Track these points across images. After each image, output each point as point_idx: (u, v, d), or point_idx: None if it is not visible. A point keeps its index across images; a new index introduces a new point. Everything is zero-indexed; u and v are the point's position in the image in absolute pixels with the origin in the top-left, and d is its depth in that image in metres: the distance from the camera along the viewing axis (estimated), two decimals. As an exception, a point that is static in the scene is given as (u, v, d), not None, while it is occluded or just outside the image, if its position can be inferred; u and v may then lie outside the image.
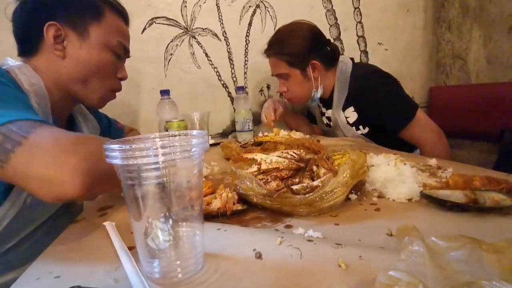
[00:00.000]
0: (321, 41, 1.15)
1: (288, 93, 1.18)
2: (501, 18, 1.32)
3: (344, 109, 1.13)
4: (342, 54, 1.43)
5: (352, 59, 1.18)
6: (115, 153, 0.29)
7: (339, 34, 1.56)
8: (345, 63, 1.14)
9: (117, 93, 0.81)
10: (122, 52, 0.75)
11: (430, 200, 0.46)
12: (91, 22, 0.68)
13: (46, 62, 0.67)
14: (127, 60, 0.83)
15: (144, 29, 1.34)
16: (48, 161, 0.40)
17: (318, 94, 1.16)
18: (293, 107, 1.49)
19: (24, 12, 0.67)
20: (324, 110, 1.28)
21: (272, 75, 1.21)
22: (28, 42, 0.68)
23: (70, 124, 0.81)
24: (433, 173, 0.62)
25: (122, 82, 0.81)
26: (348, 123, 1.14)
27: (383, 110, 1.05)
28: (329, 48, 1.15)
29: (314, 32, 1.14)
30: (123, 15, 0.76)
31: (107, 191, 0.50)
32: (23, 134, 0.42)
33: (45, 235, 0.68)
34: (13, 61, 0.64)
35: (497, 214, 0.41)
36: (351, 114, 1.13)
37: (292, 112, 1.40)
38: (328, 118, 1.26)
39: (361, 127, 1.13)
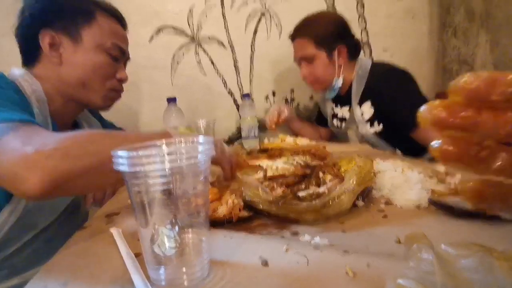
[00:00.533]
0: (348, 30, 1.18)
1: (311, 77, 1.18)
2: (507, 23, 1.31)
3: (361, 104, 1.13)
4: None
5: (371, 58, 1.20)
6: (122, 160, 0.30)
7: (344, 40, 1.56)
8: (364, 59, 1.17)
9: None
10: (117, 54, 0.75)
11: (438, 207, 0.45)
12: (82, 26, 0.70)
13: (45, 70, 0.70)
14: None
15: (152, 37, 1.36)
16: (13, 159, 0.40)
17: (339, 83, 1.16)
18: (298, 113, 1.50)
19: (22, 24, 0.70)
20: (336, 110, 1.28)
21: (295, 60, 1.21)
22: (28, 52, 0.71)
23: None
24: (441, 179, 0.61)
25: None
26: (363, 119, 1.14)
27: (401, 106, 1.03)
28: (354, 40, 1.18)
29: (342, 21, 1.18)
30: (116, 17, 0.77)
31: (92, 190, 0.47)
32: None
33: (48, 240, 0.68)
34: (18, 70, 0.67)
35: (507, 221, 0.40)
36: (368, 110, 1.12)
37: (297, 117, 1.41)
38: (340, 119, 1.26)
39: (375, 123, 1.12)
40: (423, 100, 1.06)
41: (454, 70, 1.64)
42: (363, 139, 1.17)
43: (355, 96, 1.14)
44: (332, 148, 1.04)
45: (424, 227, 0.42)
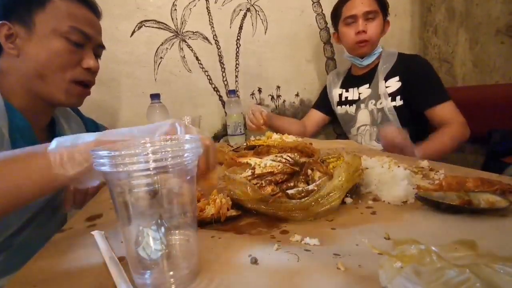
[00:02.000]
0: None
1: (369, 33, 1.21)
2: (487, 21, 1.35)
3: (386, 79, 1.22)
4: (333, 57, 1.50)
5: None
6: (103, 159, 0.28)
7: (329, 37, 1.57)
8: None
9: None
10: (78, 38, 0.68)
11: (425, 202, 0.46)
12: (35, 10, 0.65)
13: (7, 64, 0.66)
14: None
15: (133, 32, 1.32)
16: None
17: (379, 50, 1.25)
18: (284, 109, 1.51)
19: None
20: (346, 94, 1.35)
21: (351, 16, 1.22)
22: None
23: (51, 129, 0.78)
24: (426, 175, 0.62)
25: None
26: (386, 93, 1.22)
27: (428, 84, 1.16)
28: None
29: None
30: (82, 0, 0.70)
31: (13, 209, 0.41)
32: None
33: (23, 245, 0.65)
34: None
35: (492, 215, 0.41)
36: (394, 84, 1.21)
37: (277, 115, 1.45)
38: (349, 103, 1.33)
39: (398, 98, 1.20)
40: (442, 84, 1.19)
41: (435, 68, 1.68)
42: (376, 115, 1.24)
43: (382, 71, 1.22)
44: (319, 144, 1.04)
45: (412, 222, 0.42)
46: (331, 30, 1.56)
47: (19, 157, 0.41)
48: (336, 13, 1.29)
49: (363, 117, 1.29)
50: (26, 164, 0.39)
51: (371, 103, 1.26)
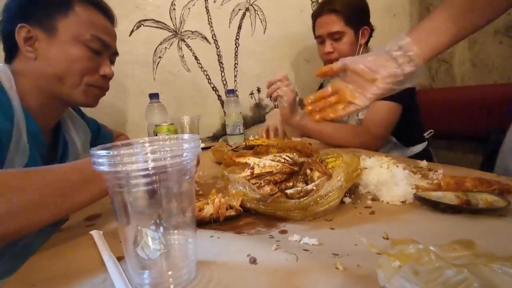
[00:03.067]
0: (369, 13, 1.19)
1: (335, 54, 1.17)
2: (484, 22, 1.35)
3: None
4: None
5: None
6: (102, 159, 0.28)
7: (328, 37, 1.57)
8: (374, 48, 1.22)
9: (104, 97, 0.79)
10: (98, 46, 0.70)
11: (423, 202, 0.46)
12: (58, 17, 0.66)
13: (22, 65, 0.66)
14: (115, 62, 0.80)
15: (132, 31, 1.32)
16: None
17: None
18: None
19: (3, 20, 0.67)
20: None
21: (319, 36, 1.18)
22: (8, 49, 0.68)
23: (57, 131, 0.78)
24: (425, 175, 0.62)
25: (110, 85, 0.78)
26: None
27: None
28: (371, 25, 1.20)
29: (366, 2, 1.18)
30: (98, 7, 0.71)
31: (31, 229, 0.41)
32: None
33: (28, 245, 0.65)
34: None
35: (490, 215, 0.41)
36: None
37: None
38: None
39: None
40: (404, 92, 1.11)
41: (433, 68, 1.69)
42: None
43: None
44: (317, 145, 1.05)
45: (410, 222, 0.42)
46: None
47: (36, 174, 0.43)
48: (312, 27, 1.25)
49: (353, 122, 1.22)
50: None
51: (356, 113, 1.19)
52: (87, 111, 0.97)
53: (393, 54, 0.59)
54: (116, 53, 0.78)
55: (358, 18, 1.15)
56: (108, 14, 0.74)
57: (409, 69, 0.58)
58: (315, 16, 1.20)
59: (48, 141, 0.72)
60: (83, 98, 0.71)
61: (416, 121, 1.20)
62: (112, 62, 0.78)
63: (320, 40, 1.19)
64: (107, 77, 0.74)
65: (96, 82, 0.72)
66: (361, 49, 1.17)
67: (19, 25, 0.64)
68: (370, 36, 1.21)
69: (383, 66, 0.59)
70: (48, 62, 0.66)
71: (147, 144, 0.34)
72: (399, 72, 0.58)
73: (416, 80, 0.62)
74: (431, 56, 0.59)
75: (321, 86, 1.45)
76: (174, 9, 1.36)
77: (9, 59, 0.68)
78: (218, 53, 1.45)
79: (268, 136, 1.16)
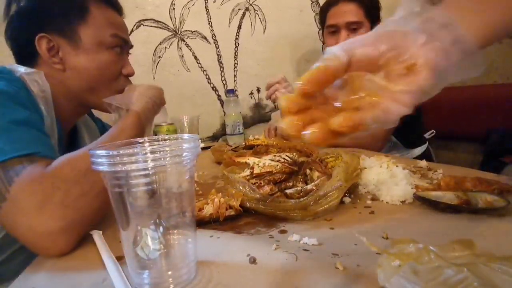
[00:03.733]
0: None
1: None
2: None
3: None
4: None
5: None
6: (102, 159, 0.28)
7: (328, 37, 1.57)
8: None
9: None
10: (120, 44, 0.69)
11: (423, 202, 0.46)
12: (78, 24, 0.64)
13: (50, 72, 0.63)
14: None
15: (132, 31, 1.31)
16: (27, 225, 0.39)
17: None
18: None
19: (14, 28, 0.64)
20: None
21: (333, 25, 1.12)
22: (23, 55, 0.65)
23: (73, 133, 0.78)
24: (424, 174, 0.62)
25: None
26: None
27: None
28: None
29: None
30: (111, 4, 0.70)
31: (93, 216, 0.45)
32: (7, 185, 0.41)
33: None
34: (22, 67, 0.60)
35: (490, 215, 0.41)
36: None
37: None
38: None
39: None
40: None
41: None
42: None
43: None
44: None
45: (410, 222, 0.42)
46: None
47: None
48: (321, 17, 1.22)
49: None
50: None
51: None
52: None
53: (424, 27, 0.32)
54: (131, 46, 0.76)
55: (376, 12, 1.12)
56: (117, 7, 0.72)
57: (456, 56, 0.32)
58: (329, 5, 1.14)
59: (66, 145, 0.72)
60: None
61: (418, 122, 1.19)
62: (127, 55, 0.77)
63: (333, 30, 1.12)
64: (130, 75, 0.74)
65: (123, 85, 0.72)
66: None
67: (38, 35, 0.61)
68: None
69: (406, 47, 0.31)
70: (79, 73, 0.65)
71: (146, 144, 0.34)
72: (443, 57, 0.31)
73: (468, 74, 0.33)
74: (486, 37, 0.33)
75: None
76: (173, 8, 1.36)
77: (27, 63, 0.64)
78: (217, 53, 1.45)
79: (270, 135, 1.16)
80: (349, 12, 1.08)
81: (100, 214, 0.45)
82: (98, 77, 0.66)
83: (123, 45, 0.71)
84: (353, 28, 1.10)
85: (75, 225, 0.41)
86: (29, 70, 0.59)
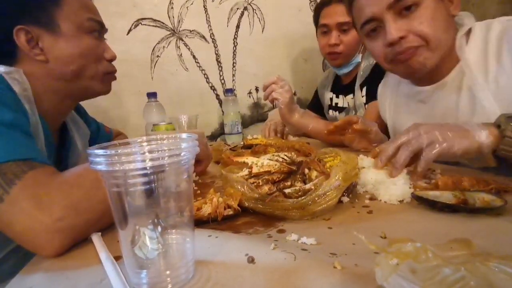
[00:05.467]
0: None
1: (341, 46, 1.14)
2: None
3: (362, 87, 1.14)
4: None
5: None
6: (100, 158, 0.28)
7: (327, 37, 1.57)
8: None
9: (102, 96, 0.78)
10: (97, 27, 0.69)
11: (421, 201, 0.46)
12: (53, 11, 0.63)
13: (31, 68, 0.62)
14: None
15: (130, 30, 1.31)
16: (25, 223, 0.40)
17: (359, 59, 1.15)
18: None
19: None
20: (335, 100, 1.28)
21: (325, 25, 1.14)
22: (4, 55, 0.63)
23: (62, 131, 0.77)
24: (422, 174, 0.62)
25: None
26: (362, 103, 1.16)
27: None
28: None
29: None
30: None
31: (98, 228, 0.45)
32: (6, 187, 0.41)
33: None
34: (2, 67, 0.59)
35: (487, 214, 0.41)
36: (363, 94, 1.15)
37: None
38: (338, 109, 1.27)
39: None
40: None
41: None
42: None
43: (359, 78, 1.15)
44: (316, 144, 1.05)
45: (408, 221, 0.43)
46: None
47: None
48: (315, 17, 1.22)
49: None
50: None
51: (352, 114, 1.20)
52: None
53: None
54: (107, 30, 0.76)
55: None
56: None
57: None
58: (323, 5, 1.16)
59: (55, 142, 0.71)
60: (103, 87, 0.71)
61: None
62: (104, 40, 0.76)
63: (325, 30, 1.15)
64: (113, 60, 0.74)
65: (108, 68, 0.72)
66: (362, 48, 1.16)
67: (16, 28, 0.60)
68: None
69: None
70: (63, 61, 0.64)
71: (144, 144, 0.34)
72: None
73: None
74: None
75: (316, 92, 1.42)
76: (172, 8, 1.36)
77: (4, 61, 0.63)
78: (216, 52, 1.44)
79: (270, 135, 1.16)
80: (341, 13, 1.09)
81: (104, 221, 0.44)
82: (82, 62, 0.66)
83: (100, 29, 0.70)
84: (343, 29, 1.12)
85: (74, 227, 0.41)
86: (8, 69, 0.59)
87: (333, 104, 1.29)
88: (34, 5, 0.62)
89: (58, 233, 0.39)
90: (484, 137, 0.48)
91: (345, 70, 1.19)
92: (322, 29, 1.16)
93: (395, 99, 0.87)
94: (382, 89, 0.94)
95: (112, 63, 0.76)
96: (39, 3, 0.63)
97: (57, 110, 0.68)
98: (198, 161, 0.64)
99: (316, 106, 1.40)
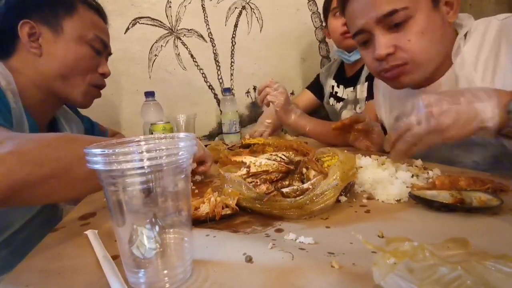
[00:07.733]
0: None
1: None
2: (479, 22, 1.36)
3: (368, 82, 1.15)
4: (328, 56, 1.44)
5: None
6: (97, 157, 0.28)
7: (325, 36, 1.57)
8: None
9: (100, 95, 0.79)
10: (100, 46, 0.73)
11: (418, 200, 0.46)
12: (64, 16, 0.67)
13: (23, 62, 0.66)
14: (110, 60, 0.81)
15: (127, 29, 1.31)
16: None
17: None
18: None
19: None
20: (336, 89, 1.28)
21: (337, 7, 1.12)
22: (3, 44, 0.67)
23: (52, 128, 0.78)
24: (419, 173, 0.63)
25: (105, 83, 0.79)
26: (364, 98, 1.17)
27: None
28: None
29: None
30: (96, 9, 0.75)
31: (57, 200, 0.42)
32: None
33: (26, 241, 0.65)
34: None
35: (484, 214, 0.42)
36: (365, 89, 1.15)
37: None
38: (338, 99, 1.27)
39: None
40: None
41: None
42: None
43: (364, 74, 1.15)
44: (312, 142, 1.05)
45: (405, 221, 0.43)
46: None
47: (86, 140, 0.42)
48: (327, 5, 1.23)
49: (347, 116, 1.21)
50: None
51: (351, 107, 1.21)
52: (82, 109, 0.96)
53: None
54: (110, 53, 0.81)
55: None
56: (103, 16, 0.78)
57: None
58: None
59: None
60: (81, 98, 0.73)
61: None
62: (106, 61, 0.80)
63: (337, 11, 1.14)
64: (105, 76, 0.77)
65: (97, 80, 0.75)
66: None
67: (22, 21, 0.64)
68: None
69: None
70: (54, 59, 0.67)
71: (142, 143, 0.34)
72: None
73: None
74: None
75: (317, 76, 1.41)
76: (170, 6, 1.35)
77: (3, 54, 0.67)
78: (214, 51, 1.44)
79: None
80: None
81: (54, 184, 0.40)
82: (73, 67, 0.68)
83: (103, 49, 0.75)
84: None
85: (13, 172, 0.36)
86: None
87: (334, 93, 1.30)
88: (48, 8, 0.67)
89: None
90: (490, 118, 0.48)
91: (355, 57, 1.17)
92: (335, 11, 1.16)
93: (389, 100, 0.88)
94: (376, 92, 0.95)
95: (110, 63, 0.78)
96: (53, 8, 0.67)
97: (42, 106, 0.70)
98: (201, 161, 0.65)
99: (314, 88, 1.40)
